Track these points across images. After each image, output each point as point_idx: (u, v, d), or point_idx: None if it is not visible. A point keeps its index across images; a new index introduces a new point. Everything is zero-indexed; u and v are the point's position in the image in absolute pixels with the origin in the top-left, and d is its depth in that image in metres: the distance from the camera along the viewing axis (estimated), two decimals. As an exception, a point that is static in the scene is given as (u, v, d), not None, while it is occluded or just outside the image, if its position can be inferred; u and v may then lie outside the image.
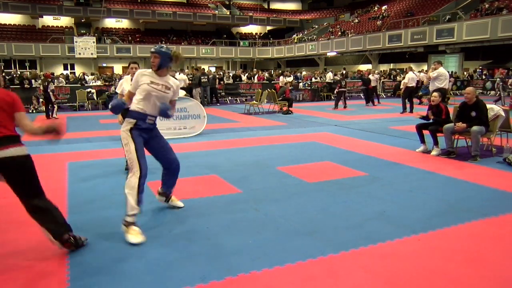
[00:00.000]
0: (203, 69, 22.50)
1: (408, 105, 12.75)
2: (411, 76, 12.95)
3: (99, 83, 17.97)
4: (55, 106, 12.82)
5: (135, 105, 3.54)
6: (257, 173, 5.33)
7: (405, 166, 5.71)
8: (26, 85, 16.00)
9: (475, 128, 5.86)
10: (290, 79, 18.80)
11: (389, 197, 4.29)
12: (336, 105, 14.56)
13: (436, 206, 3.99)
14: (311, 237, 3.29)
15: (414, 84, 12.99)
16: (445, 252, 2.98)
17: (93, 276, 2.69)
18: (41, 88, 13.32)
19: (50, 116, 12.64)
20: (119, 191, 4.60)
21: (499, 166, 5.61)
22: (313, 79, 21.80)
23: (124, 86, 5.14)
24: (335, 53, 29.90)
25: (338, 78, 15.54)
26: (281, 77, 18.97)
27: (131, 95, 3.60)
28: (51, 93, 12.66)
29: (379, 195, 4.38)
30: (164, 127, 8.47)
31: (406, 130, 8.95)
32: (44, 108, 15.30)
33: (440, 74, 8.83)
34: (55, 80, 15.59)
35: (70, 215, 3.82)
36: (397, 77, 21.57)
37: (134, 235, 3.24)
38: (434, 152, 6.38)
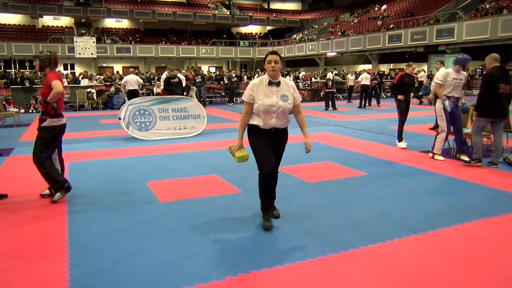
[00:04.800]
0: (199, 67, 22.35)
1: (364, 102, 15.24)
2: (365, 76, 15.68)
3: (95, 83, 17.92)
4: None
5: None
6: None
7: (405, 166, 5.71)
8: (26, 85, 16.00)
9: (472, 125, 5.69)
10: (290, 78, 18.81)
11: (389, 197, 4.30)
12: (326, 106, 14.68)
13: (436, 206, 3.99)
14: (311, 237, 3.29)
15: (367, 83, 15.30)
16: (445, 252, 2.99)
17: (93, 276, 2.69)
18: None
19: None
20: (119, 191, 4.61)
21: (499, 166, 5.60)
22: (313, 79, 21.79)
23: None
24: (335, 53, 29.88)
25: (324, 80, 15.67)
26: (287, 77, 18.97)
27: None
28: None
29: (379, 195, 4.38)
30: (164, 127, 8.47)
31: (406, 130, 8.92)
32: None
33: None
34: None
35: (70, 215, 3.83)
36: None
37: None
38: (402, 145, 6.80)
